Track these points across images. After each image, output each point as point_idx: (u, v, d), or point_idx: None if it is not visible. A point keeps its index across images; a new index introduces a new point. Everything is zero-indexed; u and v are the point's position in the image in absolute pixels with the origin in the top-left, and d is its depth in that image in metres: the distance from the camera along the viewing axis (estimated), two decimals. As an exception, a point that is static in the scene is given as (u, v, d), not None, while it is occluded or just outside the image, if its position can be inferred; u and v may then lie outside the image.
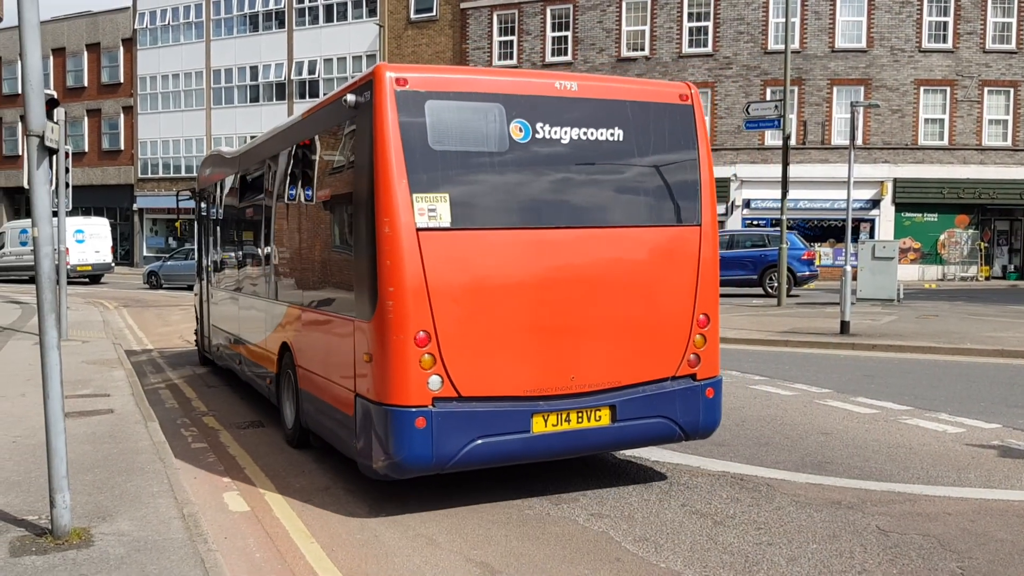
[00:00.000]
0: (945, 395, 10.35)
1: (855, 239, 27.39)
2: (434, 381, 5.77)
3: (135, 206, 47.78)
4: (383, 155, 5.73)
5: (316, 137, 7.37)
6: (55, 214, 14.38)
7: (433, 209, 5.79)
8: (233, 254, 10.98)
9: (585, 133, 6.28)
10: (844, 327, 15.21)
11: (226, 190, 11.19)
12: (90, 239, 34.09)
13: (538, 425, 6.04)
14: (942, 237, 33.08)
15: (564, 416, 6.11)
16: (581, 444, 6.30)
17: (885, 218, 32.70)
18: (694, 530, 5.72)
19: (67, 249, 33.99)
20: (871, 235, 32.11)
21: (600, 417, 6.23)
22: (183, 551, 4.93)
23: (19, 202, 52.31)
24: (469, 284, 5.89)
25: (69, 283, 32.51)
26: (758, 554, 5.29)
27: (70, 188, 14.95)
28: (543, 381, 6.05)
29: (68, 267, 31.59)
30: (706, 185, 6.69)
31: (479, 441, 5.87)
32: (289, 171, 8.23)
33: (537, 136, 6.13)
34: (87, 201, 45.98)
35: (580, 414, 6.17)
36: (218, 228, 11.89)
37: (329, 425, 6.98)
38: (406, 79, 5.82)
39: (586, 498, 6.42)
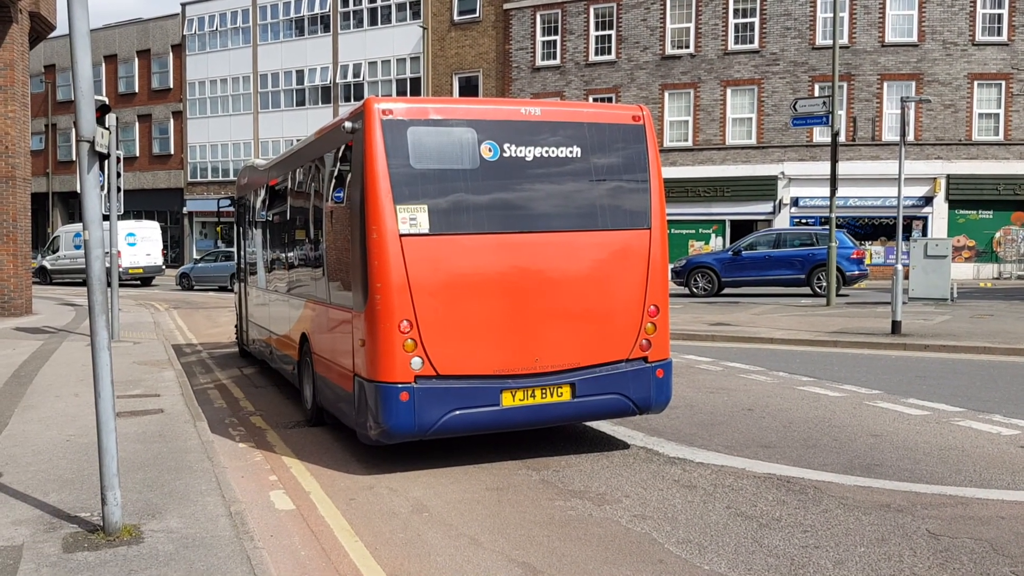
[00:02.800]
0: (1000, 396, 10.09)
1: (907, 237, 26.84)
2: (416, 362, 6.78)
3: (185, 209, 48.66)
4: (372, 172, 6.75)
5: (323, 156, 8.37)
6: (106, 218, 14.70)
7: (414, 218, 6.79)
8: (263, 256, 12.03)
9: (547, 151, 7.25)
10: (895, 327, 14.91)
11: (257, 199, 12.38)
12: (141, 242, 34.90)
13: (507, 400, 7.02)
14: (998, 235, 32.26)
15: (530, 392, 7.10)
16: (545, 416, 7.27)
17: (938, 215, 31.97)
18: (739, 532, 5.66)
19: (119, 252, 35.30)
20: (924, 233, 31.44)
21: (562, 393, 7.21)
22: (230, 548, 5.01)
23: (73, 207, 53.57)
24: (445, 281, 6.89)
25: (121, 285, 33.51)
26: (804, 557, 5.21)
27: (122, 192, 15.30)
28: (511, 362, 7.03)
29: (120, 270, 32.73)
30: (655, 193, 7.60)
31: (455, 412, 6.87)
32: (304, 183, 9.34)
33: (505, 155, 7.09)
34: (138, 205, 46.95)
35: (544, 391, 7.15)
36: (251, 232, 13.08)
37: (336, 402, 8.00)
38: (391, 109, 6.86)
39: (629, 499, 6.38)
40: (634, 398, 7.50)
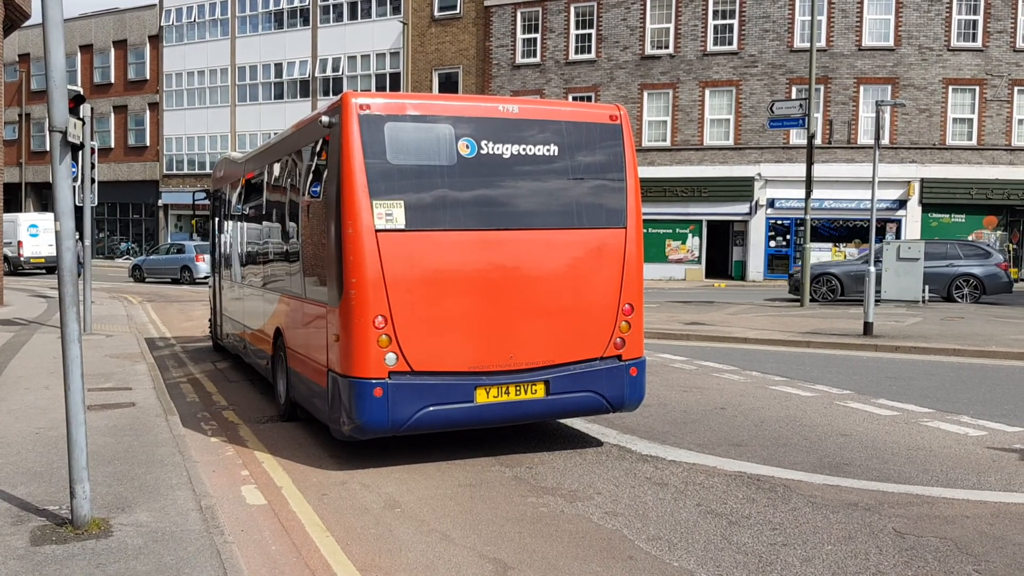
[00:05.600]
0: (968, 398, 10.24)
1: (881, 239, 27.11)
2: (390, 358, 6.77)
3: (160, 202, 48.17)
4: (348, 167, 6.73)
5: (300, 150, 8.31)
6: (80, 209, 14.56)
7: (390, 213, 6.78)
8: (238, 250, 11.96)
9: (524, 149, 7.25)
10: (867, 328, 15.08)
11: (233, 192, 12.31)
12: (44, 233, 36.41)
13: (481, 396, 7.04)
14: (970, 238, 32.66)
15: (504, 389, 7.12)
16: (519, 413, 7.31)
17: (912, 219, 32.31)
18: (708, 530, 5.71)
19: (20, 242, 37.50)
20: (897, 236, 31.76)
21: (536, 391, 7.22)
22: (200, 543, 4.99)
23: (46, 197, 52.90)
24: (421, 277, 6.87)
25: (26, 274, 35.02)
26: (772, 554, 5.27)
27: (96, 183, 15.16)
28: (485, 359, 7.03)
29: (22, 259, 35.09)
30: (632, 193, 7.65)
31: (429, 408, 6.87)
32: (280, 177, 9.29)
33: (482, 152, 7.11)
34: (113, 197, 46.52)
35: (518, 388, 7.17)
36: (226, 226, 12.99)
37: (310, 396, 7.95)
38: (369, 104, 6.84)
39: (601, 497, 6.42)
40: (608, 396, 7.54)
